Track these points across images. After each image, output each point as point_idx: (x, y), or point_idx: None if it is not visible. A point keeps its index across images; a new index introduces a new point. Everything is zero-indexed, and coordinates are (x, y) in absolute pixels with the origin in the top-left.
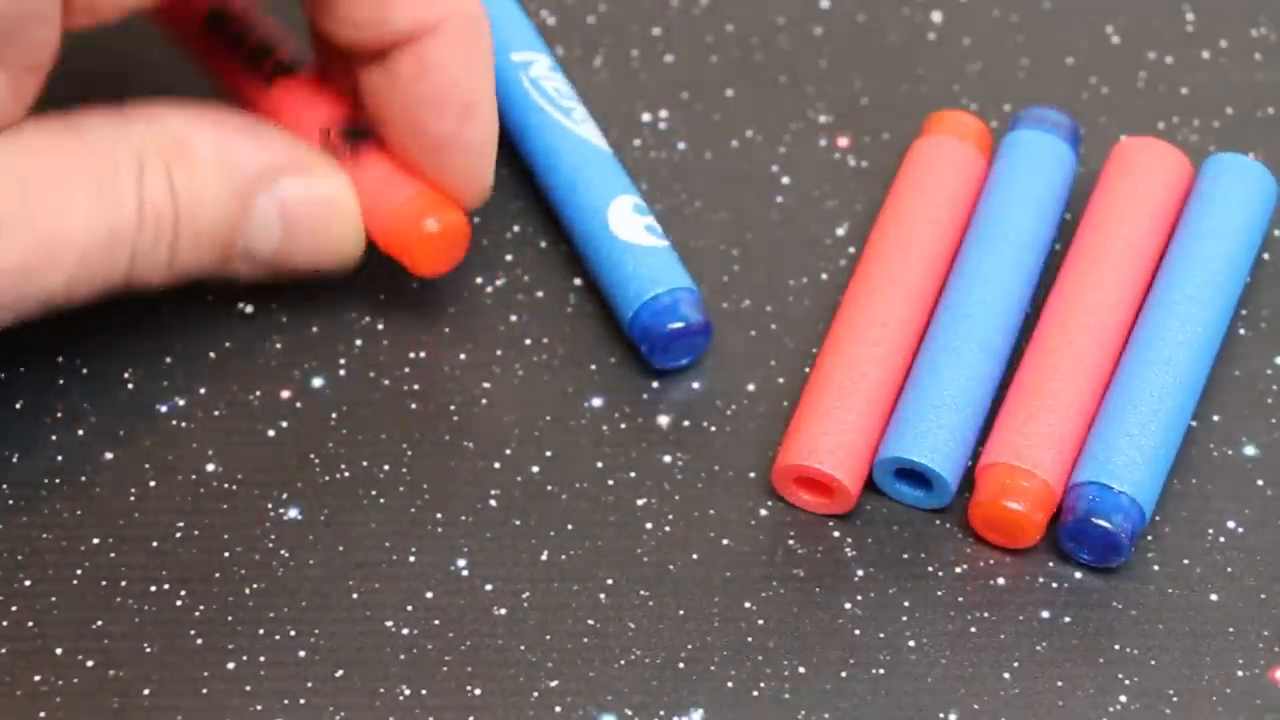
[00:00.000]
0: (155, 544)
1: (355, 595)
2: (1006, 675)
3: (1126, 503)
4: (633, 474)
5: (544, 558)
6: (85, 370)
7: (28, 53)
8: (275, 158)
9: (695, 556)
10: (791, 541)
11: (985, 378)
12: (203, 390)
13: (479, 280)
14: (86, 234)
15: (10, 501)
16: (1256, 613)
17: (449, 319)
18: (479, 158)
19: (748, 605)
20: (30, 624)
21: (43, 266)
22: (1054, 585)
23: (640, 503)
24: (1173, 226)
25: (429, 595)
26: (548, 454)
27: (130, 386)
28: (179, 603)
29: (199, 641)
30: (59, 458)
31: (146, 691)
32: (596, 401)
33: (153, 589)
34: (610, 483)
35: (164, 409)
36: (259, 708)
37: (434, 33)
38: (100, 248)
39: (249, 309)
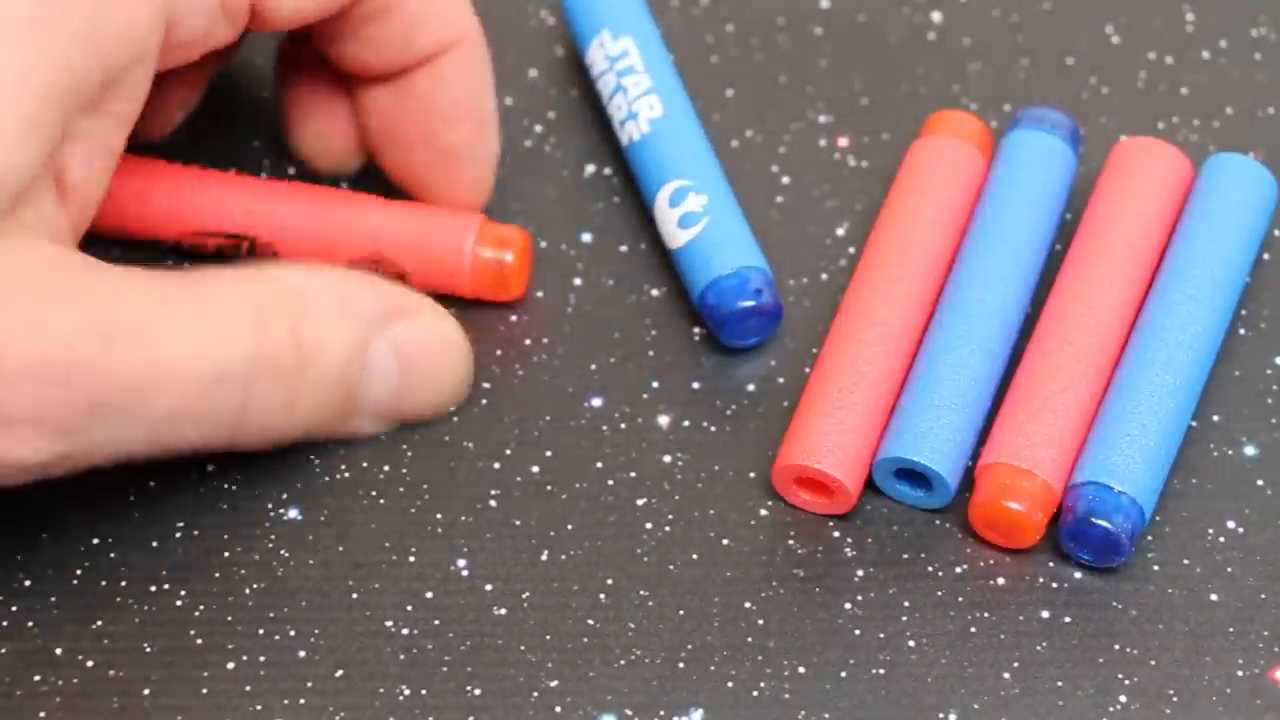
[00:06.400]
0: (155, 544)
1: (355, 595)
2: (1006, 675)
3: (1126, 503)
4: (633, 474)
5: (544, 558)
6: None
7: (130, 100)
8: (388, 302)
9: (695, 556)
10: (791, 541)
11: (985, 378)
12: None
13: None
14: (198, 361)
15: (10, 502)
16: (1256, 613)
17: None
18: (486, 167)
19: (748, 605)
20: (30, 624)
21: (155, 387)
22: (1054, 585)
23: (640, 503)
24: (1172, 226)
25: (429, 595)
26: (548, 454)
27: None
28: (179, 603)
29: (199, 641)
30: None
31: (146, 691)
32: (596, 401)
33: (153, 589)
34: (610, 483)
35: None
36: (259, 708)
37: (449, 51)
38: (207, 382)
39: None
